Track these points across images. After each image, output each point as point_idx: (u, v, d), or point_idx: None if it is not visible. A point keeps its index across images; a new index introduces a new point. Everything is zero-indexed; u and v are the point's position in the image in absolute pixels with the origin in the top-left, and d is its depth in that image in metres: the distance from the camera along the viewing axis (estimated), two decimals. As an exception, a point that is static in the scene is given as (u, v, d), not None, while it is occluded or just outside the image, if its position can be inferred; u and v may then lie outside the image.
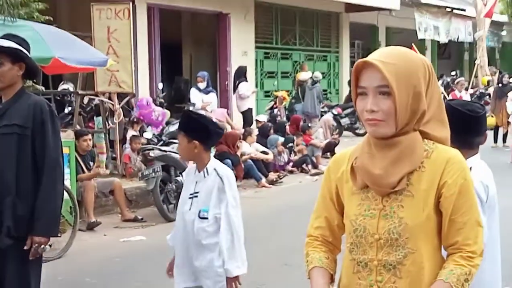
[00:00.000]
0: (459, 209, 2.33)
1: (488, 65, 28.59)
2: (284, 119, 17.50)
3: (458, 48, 33.54)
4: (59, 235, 6.99)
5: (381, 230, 2.37)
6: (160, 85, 16.59)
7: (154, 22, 16.86)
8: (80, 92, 12.25)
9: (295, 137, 15.26)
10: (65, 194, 6.37)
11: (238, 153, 12.61)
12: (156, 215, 9.97)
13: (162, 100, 15.29)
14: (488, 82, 26.00)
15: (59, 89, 14.38)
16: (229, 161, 11.45)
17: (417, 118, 2.36)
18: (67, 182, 8.24)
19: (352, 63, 23.63)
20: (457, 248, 2.34)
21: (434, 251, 2.38)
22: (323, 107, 19.22)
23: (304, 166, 14.61)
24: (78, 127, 11.52)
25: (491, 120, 16.16)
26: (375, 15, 25.18)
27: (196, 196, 4.24)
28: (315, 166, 14.61)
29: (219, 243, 4.13)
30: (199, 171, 4.28)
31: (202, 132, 4.25)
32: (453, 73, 28.85)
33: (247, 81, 17.17)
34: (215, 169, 4.25)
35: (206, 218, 4.19)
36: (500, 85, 19.02)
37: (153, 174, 9.88)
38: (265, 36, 21.04)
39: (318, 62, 23.28)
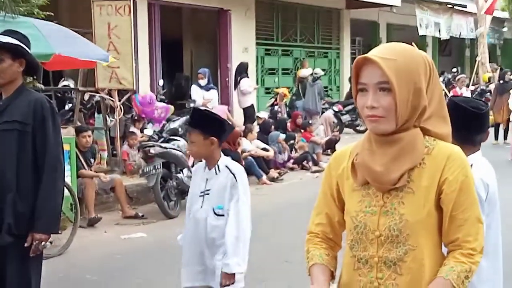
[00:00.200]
0: (459, 205, 2.32)
1: (489, 62, 28.57)
2: (285, 116, 17.50)
3: (459, 45, 33.51)
4: (59, 232, 7.02)
5: (382, 227, 2.36)
6: (161, 82, 16.59)
7: (154, 18, 16.86)
8: (80, 88, 12.25)
9: (295, 134, 15.27)
10: (66, 191, 6.37)
11: (239, 150, 12.60)
12: (157, 212, 9.96)
13: (163, 97, 15.29)
14: (489, 79, 25.98)
15: (59, 85, 14.39)
16: (229, 158, 11.43)
17: (418, 115, 2.35)
18: (67, 179, 8.25)
19: (353, 59, 23.60)
20: (457, 245, 2.34)
21: (434, 248, 2.38)
22: (324, 104, 19.20)
23: (305, 163, 14.61)
24: (78, 123, 11.52)
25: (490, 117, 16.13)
26: (376, 12, 25.15)
27: (208, 194, 4.20)
28: (315, 163, 14.61)
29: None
30: (210, 169, 4.24)
31: (217, 128, 4.23)
32: (454, 70, 28.83)
33: (248, 77, 17.16)
34: (226, 166, 4.22)
35: (223, 215, 4.16)
36: (501, 82, 19.00)
37: (154, 171, 9.88)
38: (266, 33, 21.03)
39: (319, 58, 23.27)
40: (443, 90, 2.39)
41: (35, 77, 6.94)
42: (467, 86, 22.71)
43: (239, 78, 16.86)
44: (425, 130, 2.39)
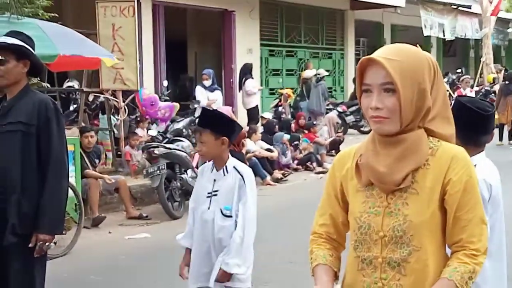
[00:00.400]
0: (463, 206, 2.32)
1: (494, 63, 28.52)
2: (289, 116, 17.49)
3: (464, 46, 33.48)
4: (64, 232, 7.04)
5: (386, 228, 2.36)
6: (165, 83, 16.59)
7: (159, 19, 16.88)
8: (85, 89, 12.27)
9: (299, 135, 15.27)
10: (70, 191, 6.38)
11: (243, 151, 12.59)
12: (161, 212, 9.97)
13: (167, 98, 15.29)
14: (494, 79, 25.94)
15: (64, 86, 14.41)
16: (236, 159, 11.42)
17: (422, 115, 2.35)
18: (72, 180, 8.26)
19: (357, 60, 23.60)
20: (461, 246, 2.33)
21: (438, 248, 2.38)
22: (328, 105, 19.19)
23: (309, 164, 14.60)
24: (83, 124, 11.53)
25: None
26: (380, 13, 25.14)
27: (216, 195, 4.20)
28: (320, 164, 14.60)
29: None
30: (218, 169, 4.24)
31: (228, 128, 4.23)
32: (459, 70, 28.79)
33: (253, 78, 17.18)
34: (234, 167, 4.22)
35: (230, 216, 4.16)
36: (506, 82, 18.97)
37: (158, 171, 9.89)
38: (270, 34, 21.03)
39: (323, 59, 23.27)
40: (448, 91, 2.39)
41: (39, 78, 6.95)
42: (472, 87, 22.68)
43: (244, 79, 16.88)
44: (429, 131, 2.38)
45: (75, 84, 14.18)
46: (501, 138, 18.08)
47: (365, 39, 26.79)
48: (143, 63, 15.27)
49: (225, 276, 4.11)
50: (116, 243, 8.58)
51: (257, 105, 17.05)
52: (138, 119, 13.13)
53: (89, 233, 8.83)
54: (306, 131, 15.62)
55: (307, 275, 2.65)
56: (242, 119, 16.78)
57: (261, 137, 13.87)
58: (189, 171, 10.27)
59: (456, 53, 34.04)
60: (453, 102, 3.37)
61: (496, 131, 15.61)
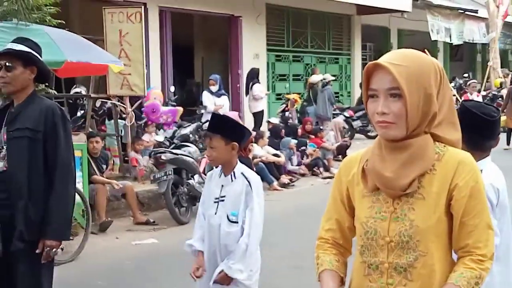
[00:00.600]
0: (470, 211, 2.32)
1: (501, 67, 28.47)
2: (296, 121, 17.49)
3: (471, 50, 33.41)
4: (71, 238, 7.05)
5: (392, 233, 2.36)
6: (172, 88, 16.61)
7: (166, 25, 16.92)
8: (92, 95, 12.29)
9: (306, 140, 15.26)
10: (78, 197, 6.40)
11: (250, 156, 12.60)
12: (168, 218, 9.98)
13: (174, 103, 15.30)
14: (501, 84, 25.90)
15: (71, 92, 14.44)
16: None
17: (428, 121, 2.35)
18: (79, 185, 8.29)
19: (363, 65, 23.56)
20: (467, 251, 2.33)
21: (445, 253, 2.38)
22: (335, 110, 19.18)
23: (315, 169, 14.59)
24: (90, 130, 11.56)
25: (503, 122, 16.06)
26: (387, 17, 25.11)
27: (223, 200, 4.20)
28: (326, 169, 14.59)
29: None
30: (226, 175, 4.24)
31: (238, 133, 4.23)
32: (466, 75, 28.74)
33: (259, 82, 17.20)
34: (242, 173, 4.22)
35: (236, 222, 4.16)
36: (513, 86, 18.91)
37: (165, 177, 9.90)
38: (277, 39, 21.04)
39: (329, 64, 23.27)
40: (454, 95, 2.38)
41: (47, 84, 6.97)
42: (479, 91, 22.63)
43: (251, 84, 16.91)
44: (435, 136, 2.38)
45: (82, 90, 14.22)
46: (508, 142, 18.02)
47: (372, 44, 26.77)
48: (150, 69, 15.31)
49: (225, 279, 4.11)
50: (123, 248, 8.58)
51: (262, 110, 17.06)
52: (145, 124, 13.15)
53: (96, 239, 8.84)
54: (312, 136, 15.61)
55: (313, 280, 2.65)
56: (249, 124, 16.77)
57: (268, 141, 13.87)
58: (196, 177, 10.28)
59: (463, 58, 33.98)
60: (458, 107, 3.36)
61: (503, 135, 15.56)
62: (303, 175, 14.32)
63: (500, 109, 3.83)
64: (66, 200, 4.19)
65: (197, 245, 4.32)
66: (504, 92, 21.69)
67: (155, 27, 16.40)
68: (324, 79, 18.85)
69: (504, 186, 3.32)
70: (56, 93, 11.62)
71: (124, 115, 12.35)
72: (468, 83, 23.27)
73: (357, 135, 19.48)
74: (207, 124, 13.11)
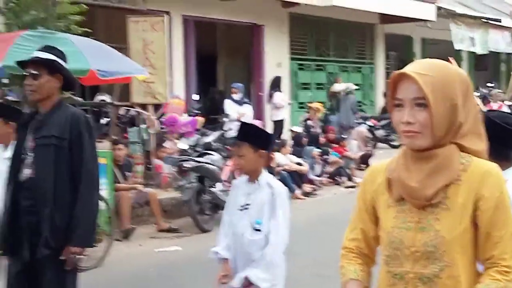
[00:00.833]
0: (495, 223, 2.30)
1: (526, 76, 28.22)
2: (319, 130, 17.46)
3: (495, 60, 33.15)
4: (95, 245, 7.08)
5: (418, 243, 2.35)
6: (197, 97, 16.65)
7: (189, 34, 16.98)
8: (116, 103, 12.36)
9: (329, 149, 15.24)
10: (102, 204, 6.43)
11: (273, 165, 12.60)
12: (191, 225, 10.00)
13: (197, 111, 15.32)
14: (526, 94, 25.65)
15: (95, 100, 14.54)
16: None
17: (454, 131, 2.34)
18: (104, 192, 8.33)
19: (387, 74, 23.51)
20: (493, 263, 2.31)
21: (470, 264, 2.37)
22: (357, 119, 19.12)
23: (338, 178, 14.56)
24: (114, 137, 11.62)
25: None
26: (411, 26, 25.01)
27: (247, 208, 4.21)
28: (349, 178, 14.56)
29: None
30: (252, 183, 4.25)
31: (266, 141, 4.26)
32: (490, 84, 28.52)
33: (281, 91, 17.21)
34: (268, 182, 4.23)
35: (260, 230, 4.17)
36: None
37: (189, 185, 9.93)
38: (300, 48, 21.03)
39: (352, 73, 23.19)
40: (478, 105, 2.38)
41: (73, 92, 7.03)
42: (503, 101, 22.44)
43: (272, 92, 16.93)
44: (461, 146, 2.38)
45: (106, 97, 14.31)
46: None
47: (395, 53, 26.67)
48: (174, 77, 15.38)
49: (248, 286, 4.13)
50: (146, 255, 8.62)
51: (283, 119, 17.04)
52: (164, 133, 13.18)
53: (120, 246, 8.88)
54: (335, 145, 15.58)
55: (338, 290, 2.65)
56: (271, 132, 16.76)
57: (291, 150, 13.88)
58: (219, 185, 10.29)
59: (487, 67, 33.73)
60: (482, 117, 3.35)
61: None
62: (325, 184, 14.29)
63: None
64: (91, 207, 4.23)
65: (223, 253, 4.32)
66: (529, 101, 21.50)
67: (179, 35, 16.48)
68: (348, 88, 18.82)
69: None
70: (82, 101, 11.70)
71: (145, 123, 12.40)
72: (491, 93, 23.07)
73: (380, 145, 19.40)
74: (229, 132, 13.23)
